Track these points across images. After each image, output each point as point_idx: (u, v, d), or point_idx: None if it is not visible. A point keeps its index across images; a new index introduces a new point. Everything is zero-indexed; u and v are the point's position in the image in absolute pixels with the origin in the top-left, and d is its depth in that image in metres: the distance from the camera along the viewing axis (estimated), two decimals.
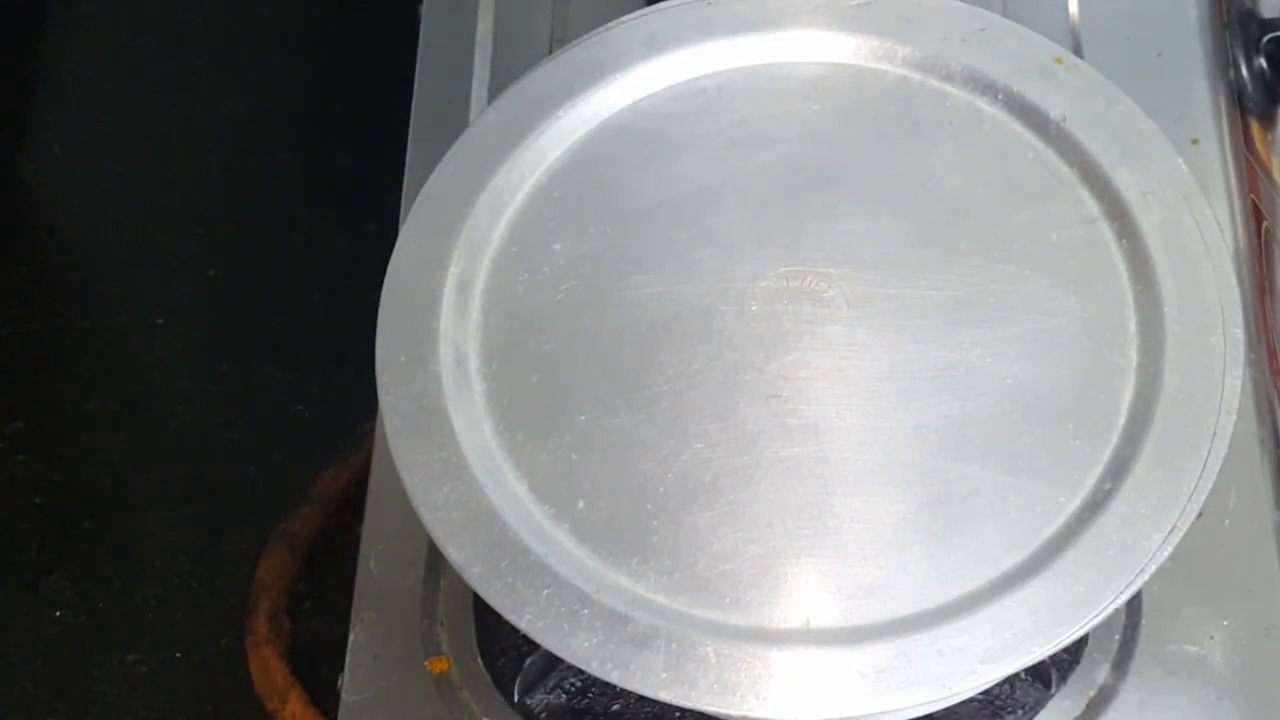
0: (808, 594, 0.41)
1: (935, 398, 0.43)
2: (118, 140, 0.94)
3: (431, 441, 0.43)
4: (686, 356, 0.44)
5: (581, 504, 0.42)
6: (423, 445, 0.43)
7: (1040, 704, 0.51)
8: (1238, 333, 0.43)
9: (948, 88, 0.49)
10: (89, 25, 0.98)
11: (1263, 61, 0.60)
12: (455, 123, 0.62)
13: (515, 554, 0.41)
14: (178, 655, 0.77)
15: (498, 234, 0.47)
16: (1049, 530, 0.41)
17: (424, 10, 0.66)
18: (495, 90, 0.63)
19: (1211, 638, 0.52)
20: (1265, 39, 0.60)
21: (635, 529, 0.42)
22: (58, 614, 0.79)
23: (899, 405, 0.43)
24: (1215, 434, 0.42)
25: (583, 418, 0.44)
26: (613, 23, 0.50)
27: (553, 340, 0.45)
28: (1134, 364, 0.43)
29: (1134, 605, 0.52)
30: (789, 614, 0.40)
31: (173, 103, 0.94)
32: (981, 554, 0.41)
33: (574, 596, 0.40)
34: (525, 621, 0.40)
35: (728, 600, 0.41)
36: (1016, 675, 0.49)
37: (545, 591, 0.40)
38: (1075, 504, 0.41)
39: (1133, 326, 0.44)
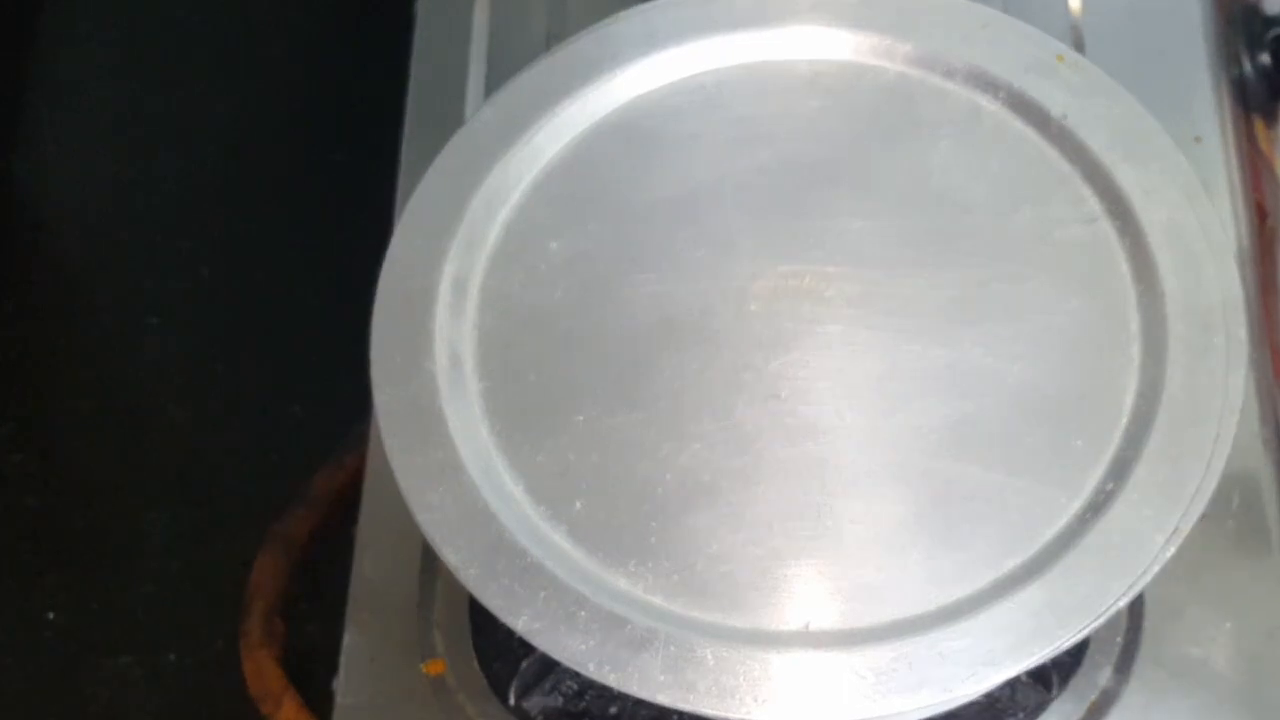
0: (807, 596, 0.40)
1: (935, 398, 0.43)
2: (111, 139, 0.94)
3: (427, 442, 0.43)
4: (685, 356, 0.44)
5: (579, 505, 0.42)
6: (418, 446, 0.43)
7: (1042, 706, 0.50)
8: (1241, 332, 0.43)
9: (948, 85, 0.48)
10: (82, 24, 0.97)
11: (1266, 58, 0.60)
12: (451, 120, 0.62)
13: (511, 556, 0.41)
14: (171, 657, 0.77)
15: (494, 232, 0.47)
16: (1050, 532, 0.41)
17: (419, 7, 0.66)
18: (491, 87, 0.63)
19: (1215, 640, 0.51)
20: (1269, 35, 0.59)
21: (633, 530, 0.41)
22: (50, 615, 0.79)
23: (899, 405, 0.43)
24: (1218, 435, 0.41)
25: (580, 418, 0.43)
26: (610, 19, 0.50)
27: (550, 339, 0.45)
28: (1136, 363, 0.43)
29: (1136, 607, 0.52)
30: (788, 616, 0.40)
31: (166, 101, 0.94)
32: (982, 556, 0.41)
33: (571, 598, 0.40)
34: (522, 623, 0.40)
35: (726, 602, 0.40)
36: (1018, 678, 0.49)
37: (542, 593, 0.40)
38: (1077, 505, 0.41)
39: (1135, 326, 0.44)
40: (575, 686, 0.52)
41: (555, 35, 0.64)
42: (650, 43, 0.49)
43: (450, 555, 0.41)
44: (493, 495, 0.42)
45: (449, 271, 0.46)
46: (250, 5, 0.96)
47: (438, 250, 0.46)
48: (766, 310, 0.44)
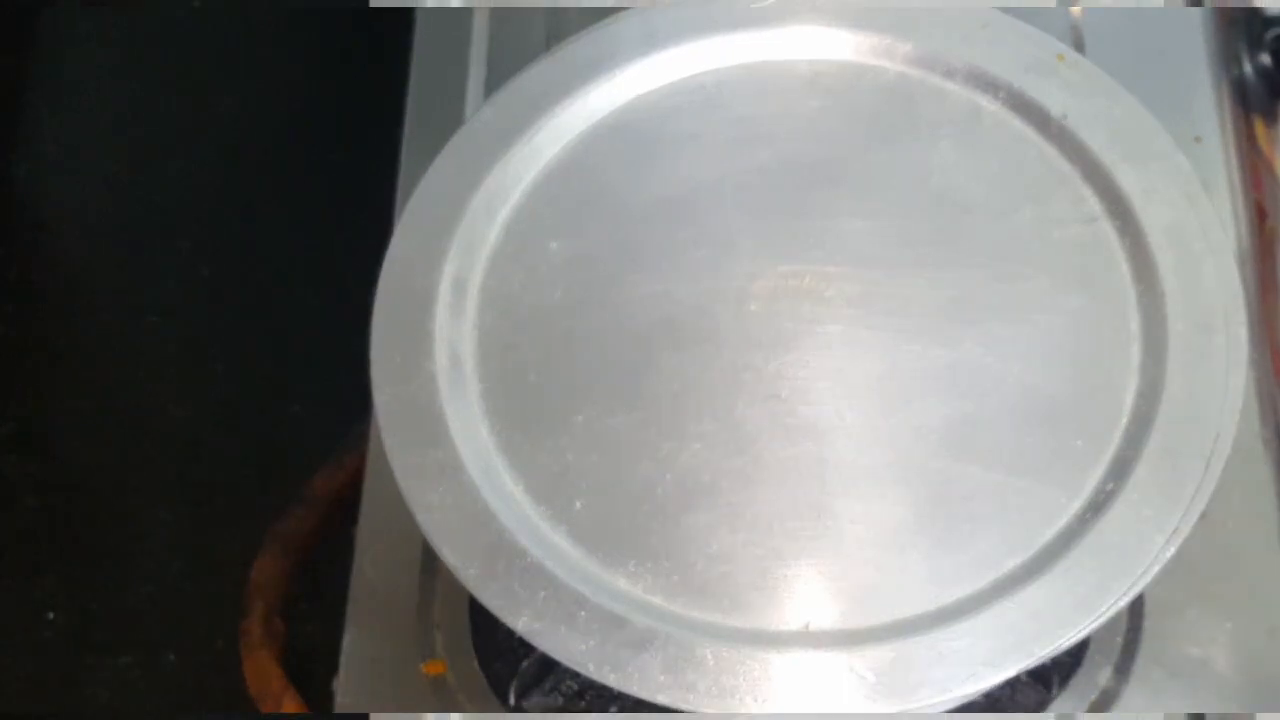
0: (807, 596, 0.40)
1: (935, 398, 0.43)
2: (110, 140, 0.95)
3: (427, 442, 0.43)
4: (685, 357, 0.44)
5: (579, 505, 0.42)
6: (418, 446, 0.43)
7: (1042, 706, 0.51)
8: (1241, 332, 0.43)
9: (948, 85, 0.49)
10: (81, 25, 0.98)
11: (1266, 58, 0.60)
12: (450, 121, 0.61)
13: (512, 556, 0.41)
14: (171, 658, 0.78)
15: (494, 232, 0.47)
16: (1050, 532, 0.41)
17: (419, 8, 0.66)
18: (491, 87, 0.63)
19: (1215, 640, 0.51)
20: (1269, 35, 0.60)
21: (633, 530, 0.42)
22: (50, 616, 0.79)
23: (899, 405, 0.43)
24: (1218, 435, 0.41)
25: (580, 418, 0.43)
26: (610, 19, 0.50)
27: (550, 340, 0.45)
28: (1136, 364, 0.43)
29: (1136, 608, 0.52)
30: (788, 616, 0.40)
31: (166, 102, 0.95)
32: (982, 556, 0.41)
33: (571, 599, 0.40)
34: (522, 624, 0.40)
35: (726, 602, 0.40)
36: (1017, 678, 0.49)
37: (542, 593, 0.40)
38: (1077, 505, 0.41)
39: (1135, 326, 0.44)
40: (575, 686, 0.52)
41: (555, 36, 0.64)
42: (650, 43, 0.49)
43: (450, 555, 0.41)
44: (493, 495, 0.42)
45: (449, 271, 0.46)
46: (250, 5, 0.97)
47: (438, 250, 0.46)
48: (766, 310, 0.45)
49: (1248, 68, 0.60)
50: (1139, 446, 0.42)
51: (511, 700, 0.52)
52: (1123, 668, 0.51)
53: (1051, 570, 0.40)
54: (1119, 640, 0.51)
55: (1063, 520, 0.41)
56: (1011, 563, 0.40)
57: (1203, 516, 0.41)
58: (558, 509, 0.42)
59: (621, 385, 0.44)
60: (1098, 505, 0.41)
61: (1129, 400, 0.43)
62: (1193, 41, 0.61)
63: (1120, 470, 0.41)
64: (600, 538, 0.42)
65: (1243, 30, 0.61)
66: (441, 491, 0.42)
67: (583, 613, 0.40)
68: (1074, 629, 0.39)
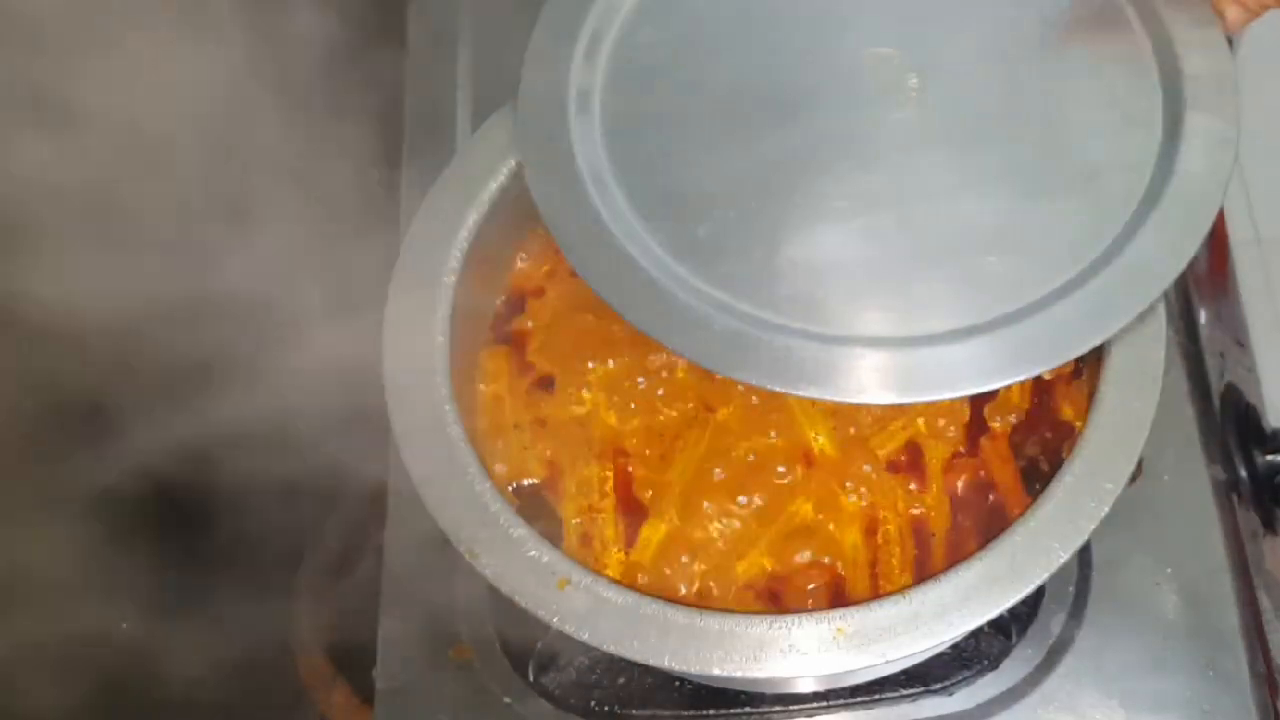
0: (865, 311, 0.44)
1: (994, 146, 0.46)
2: None
3: (554, 150, 0.47)
4: (791, 121, 0.47)
5: (677, 224, 0.46)
6: (545, 148, 0.47)
7: (1004, 654, 0.55)
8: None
9: None
10: None
11: None
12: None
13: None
14: (235, 655, 0.83)
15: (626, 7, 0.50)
16: (1088, 258, 0.44)
17: (406, 124, 0.70)
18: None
19: (1158, 584, 0.55)
20: None
21: (721, 248, 0.45)
22: (123, 626, 0.84)
23: (972, 150, 0.46)
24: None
25: (685, 149, 0.47)
26: None
27: (668, 88, 0.49)
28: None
29: (1084, 559, 0.56)
30: (843, 325, 0.44)
31: None
32: (1011, 283, 0.44)
33: (697, 313, 0.44)
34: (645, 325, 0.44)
35: (803, 311, 0.44)
36: (980, 629, 0.52)
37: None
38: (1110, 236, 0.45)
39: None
40: (586, 662, 0.57)
41: None
42: None
43: (561, 236, 0.46)
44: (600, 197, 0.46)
45: (586, 31, 0.49)
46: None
47: (577, 18, 0.50)
48: (860, 85, 0.48)
49: None
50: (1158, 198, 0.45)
51: (531, 677, 0.56)
52: (1076, 614, 0.55)
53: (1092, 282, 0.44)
54: (1071, 589, 0.56)
55: (1098, 250, 0.44)
56: (1061, 278, 0.44)
57: (1139, 476, 0.45)
58: (657, 224, 0.46)
59: (719, 130, 0.47)
60: (1129, 233, 0.45)
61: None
62: None
63: (1139, 219, 0.45)
64: (688, 248, 0.45)
65: None
66: (560, 186, 0.46)
67: (674, 305, 0.44)
68: (1084, 343, 0.43)
